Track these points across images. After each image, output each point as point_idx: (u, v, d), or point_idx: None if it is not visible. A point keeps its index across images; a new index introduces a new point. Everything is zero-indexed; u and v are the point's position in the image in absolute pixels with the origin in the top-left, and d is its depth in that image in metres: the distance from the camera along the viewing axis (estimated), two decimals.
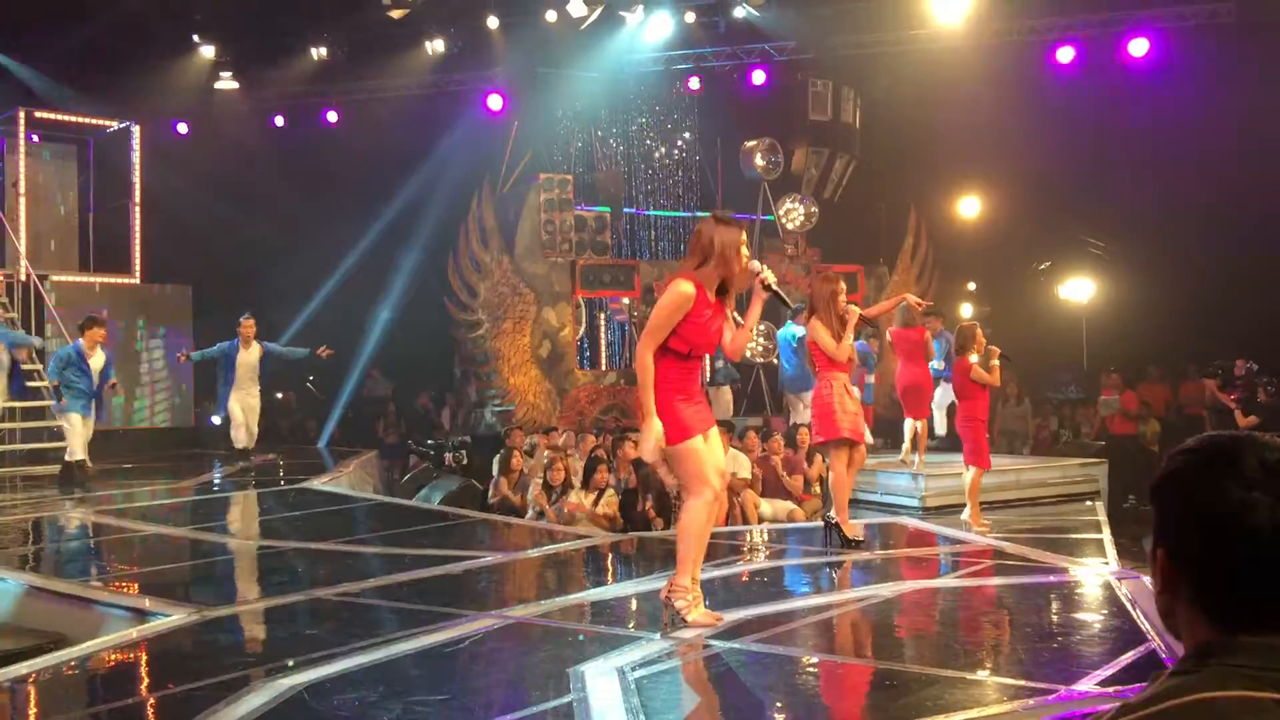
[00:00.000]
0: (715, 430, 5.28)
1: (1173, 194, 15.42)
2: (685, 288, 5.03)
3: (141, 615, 5.67)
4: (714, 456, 5.21)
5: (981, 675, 4.59)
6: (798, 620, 5.60)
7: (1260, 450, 1.38)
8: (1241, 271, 14.83)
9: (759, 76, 17.46)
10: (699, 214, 17.03)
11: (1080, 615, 5.78)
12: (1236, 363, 13.57)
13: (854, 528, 7.63)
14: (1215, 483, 1.37)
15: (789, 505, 10.16)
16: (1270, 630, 1.34)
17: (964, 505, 8.64)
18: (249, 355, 12.32)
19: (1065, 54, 15.94)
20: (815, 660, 4.94)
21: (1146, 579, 6.07)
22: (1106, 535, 8.16)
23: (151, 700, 4.57)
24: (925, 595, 6.25)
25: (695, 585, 5.21)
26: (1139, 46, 15.65)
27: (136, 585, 6.69)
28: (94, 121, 15.56)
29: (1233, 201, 14.85)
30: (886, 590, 6.23)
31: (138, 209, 15.50)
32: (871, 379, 13.38)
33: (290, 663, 4.59)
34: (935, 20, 15.68)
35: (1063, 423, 16.13)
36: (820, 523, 8.31)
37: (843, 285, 7.81)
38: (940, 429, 12.40)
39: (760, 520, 9.70)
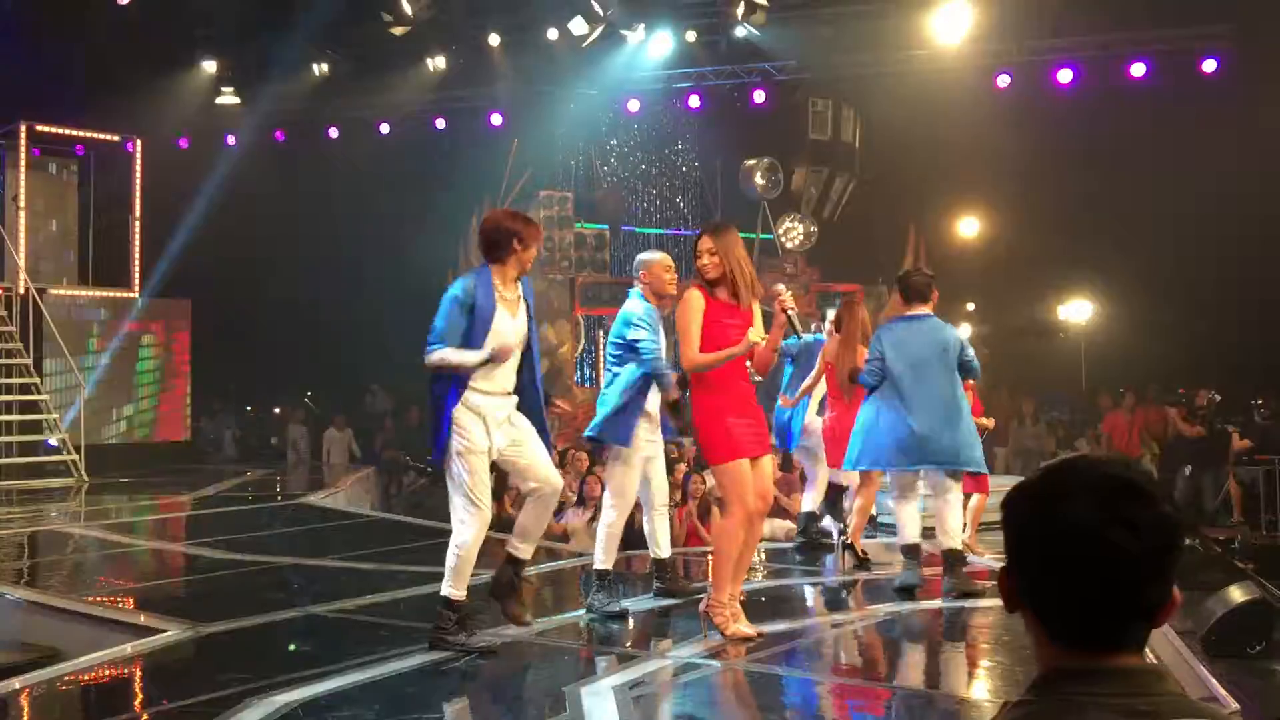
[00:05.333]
0: (768, 457, 5.48)
1: (1173, 215, 15.44)
2: (692, 295, 5.31)
3: (137, 630, 5.65)
4: (759, 481, 5.34)
5: (980, 696, 4.57)
6: (797, 640, 5.58)
7: (1089, 470, 1.38)
8: (1243, 294, 14.84)
9: (759, 95, 17.50)
10: (698, 232, 17.02)
11: None
12: (1199, 393, 13.53)
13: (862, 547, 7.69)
14: (1043, 506, 1.38)
15: (787, 525, 10.13)
16: (1112, 652, 1.35)
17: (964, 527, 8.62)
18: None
19: (1065, 75, 15.98)
20: (815, 680, 4.92)
21: None
22: None
23: (145, 716, 4.56)
24: (925, 616, 6.23)
25: (733, 601, 5.36)
26: (1138, 69, 15.70)
27: (132, 600, 6.67)
28: (95, 136, 15.57)
29: (1234, 223, 14.86)
30: (887, 611, 6.21)
31: (138, 223, 15.51)
32: None
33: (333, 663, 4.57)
34: (935, 40, 15.72)
35: (1060, 443, 16.11)
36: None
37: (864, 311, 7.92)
38: None
39: (759, 540, 9.67)
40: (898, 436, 6.49)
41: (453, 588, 5.08)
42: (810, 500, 8.49)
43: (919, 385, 6.48)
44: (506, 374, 5.17)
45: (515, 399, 5.26)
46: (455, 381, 5.04)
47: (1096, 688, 1.32)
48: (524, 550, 5.33)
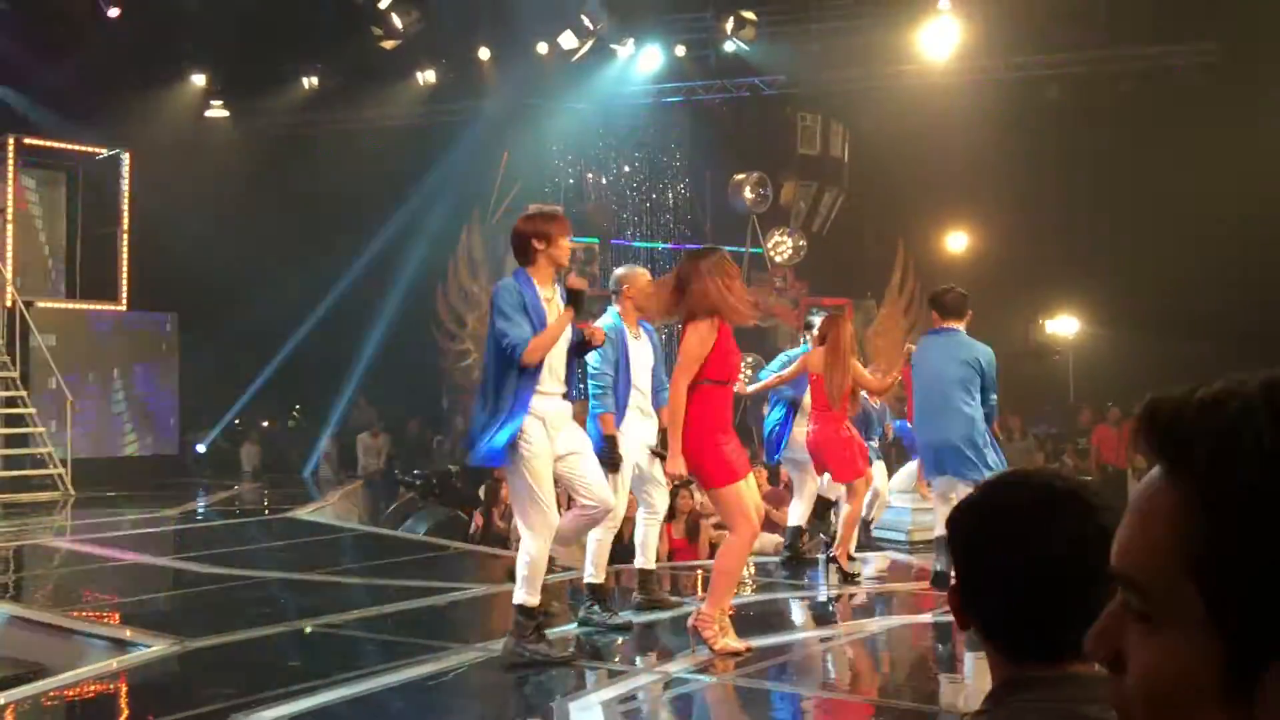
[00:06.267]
0: (751, 473, 5.51)
1: (1160, 230, 15.51)
2: (700, 328, 5.22)
3: (122, 645, 5.61)
4: (752, 496, 5.40)
5: (968, 710, 4.56)
6: (787, 655, 5.57)
7: (1023, 483, 1.41)
8: (1231, 308, 14.90)
9: (749, 110, 17.55)
10: (688, 246, 17.00)
11: None
12: None
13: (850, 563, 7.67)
14: (980, 520, 1.41)
15: (775, 539, 10.11)
16: (1059, 660, 1.35)
17: None
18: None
19: (1052, 90, 16.07)
20: (805, 695, 4.91)
21: None
22: None
23: None
24: (915, 630, 6.23)
25: (724, 616, 5.34)
26: (1125, 84, 15.79)
27: (117, 615, 6.64)
28: (84, 149, 15.53)
29: (1222, 237, 14.93)
30: (876, 625, 6.21)
31: (126, 237, 15.46)
32: None
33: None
34: (924, 56, 15.79)
35: (1048, 458, 16.15)
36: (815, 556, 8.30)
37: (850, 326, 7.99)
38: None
39: (752, 553, 9.66)
40: (924, 446, 6.85)
41: (527, 595, 5.05)
42: (798, 514, 8.48)
43: (937, 398, 6.73)
44: (559, 373, 5.20)
45: (568, 402, 5.28)
46: (522, 387, 5.03)
47: (1045, 694, 1.33)
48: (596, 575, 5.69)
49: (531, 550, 5.03)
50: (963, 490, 6.59)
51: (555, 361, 5.15)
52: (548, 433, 5.06)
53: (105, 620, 6.39)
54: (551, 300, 5.19)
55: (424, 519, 10.80)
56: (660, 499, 6.52)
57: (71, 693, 4.92)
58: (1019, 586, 1.36)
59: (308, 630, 5.96)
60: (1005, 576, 1.37)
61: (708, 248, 5.73)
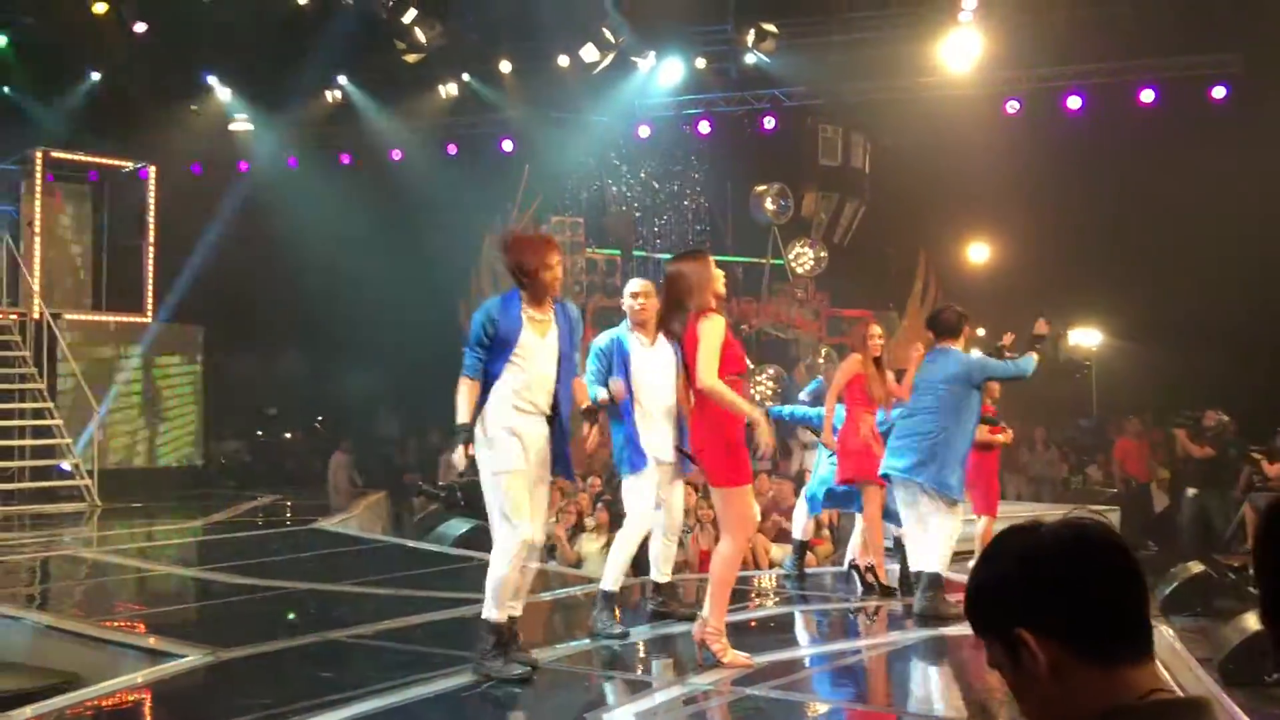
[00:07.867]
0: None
1: (1182, 241, 15.45)
2: (716, 317, 5.20)
3: (155, 656, 5.66)
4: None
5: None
6: (813, 667, 5.58)
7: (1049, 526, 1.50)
8: (1255, 320, 14.83)
9: (769, 121, 17.59)
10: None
11: None
12: (1206, 413, 13.31)
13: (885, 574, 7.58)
14: (1059, 546, 1.47)
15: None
16: (1148, 655, 1.42)
17: (973, 553, 8.57)
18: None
19: (1074, 102, 16.05)
20: (831, 707, 4.92)
21: (1165, 629, 6.03)
22: None
23: None
24: (940, 642, 6.22)
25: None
26: (1147, 95, 15.76)
27: (149, 625, 6.68)
28: (110, 162, 15.68)
29: (1244, 248, 14.87)
30: (901, 637, 6.20)
31: (152, 249, 15.59)
32: None
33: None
34: (945, 67, 15.81)
35: (1072, 469, 16.09)
36: (839, 568, 8.27)
37: (875, 329, 7.96)
38: None
39: (771, 565, 9.66)
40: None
41: (493, 609, 5.05)
42: (800, 527, 8.43)
43: (913, 415, 6.93)
44: (538, 393, 5.11)
45: (546, 426, 5.17)
46: (494, 399, 5.04)
47: None
48: (514, 608, 5.21)
49: (496, 565, 5.02)
50: (925, 501, 6.69)
51: (535, 383, 5.09)
52: (524, 449, 5.04)
53: (137, 630, 6.44)
54: (543, 322, 5.14)
55: (449, 530, 10.80)
56: (670, 525, 6.43)
57: (106, 703, 4.96)
58: (1111, 588, 1.43)
59: (292, 619, 5.99)
60: (1095, 582, 1.43)
61: (678, 255, 5.79)
